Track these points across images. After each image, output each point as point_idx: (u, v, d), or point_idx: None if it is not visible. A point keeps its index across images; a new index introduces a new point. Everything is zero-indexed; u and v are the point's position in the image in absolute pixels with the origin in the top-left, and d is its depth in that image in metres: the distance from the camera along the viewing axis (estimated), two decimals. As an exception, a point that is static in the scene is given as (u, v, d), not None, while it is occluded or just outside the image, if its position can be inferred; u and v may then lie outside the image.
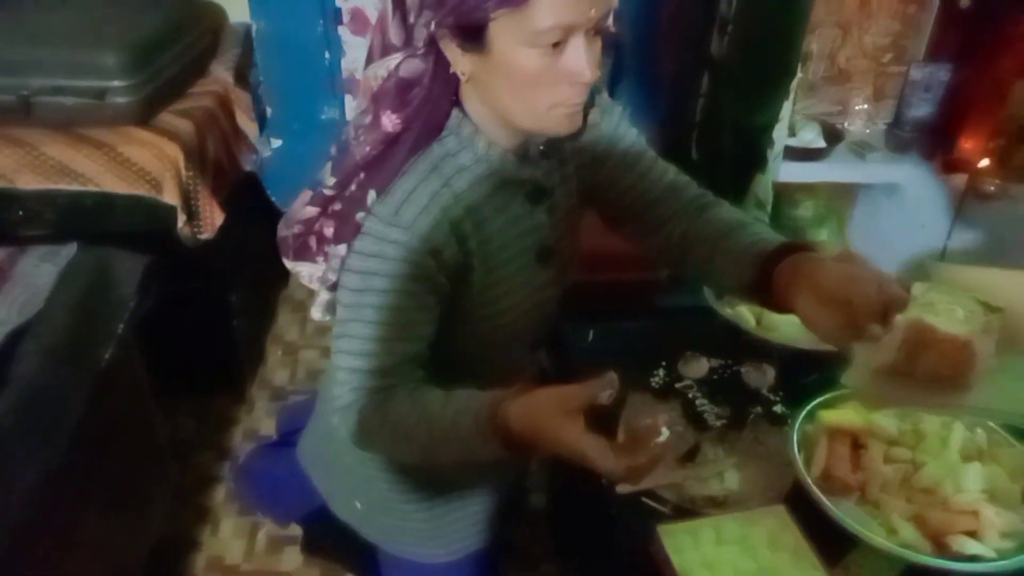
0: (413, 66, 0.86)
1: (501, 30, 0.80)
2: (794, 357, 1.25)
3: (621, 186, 1.07)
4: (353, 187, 0.90)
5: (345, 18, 2.07)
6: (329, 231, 0.93)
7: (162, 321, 1.56)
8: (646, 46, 2.06)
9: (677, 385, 1.26)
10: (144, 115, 1.74)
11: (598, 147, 1.05)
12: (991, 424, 1.12)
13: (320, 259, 0.97)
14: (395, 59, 0.87)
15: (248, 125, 2.08)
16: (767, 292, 0.92)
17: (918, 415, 1.14)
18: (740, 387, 1.28)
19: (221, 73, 2.03)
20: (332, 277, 0.93)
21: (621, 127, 1.07)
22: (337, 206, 0.92)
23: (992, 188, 2.36)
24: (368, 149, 0.88)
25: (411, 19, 0.84)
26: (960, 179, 2.37)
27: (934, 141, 2.48)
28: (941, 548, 0.97)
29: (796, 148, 2.38)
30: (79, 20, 1.80)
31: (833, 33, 2.45)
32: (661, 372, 1.29)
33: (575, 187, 1.04)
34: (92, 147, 1.68)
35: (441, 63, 0.86)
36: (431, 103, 0.87)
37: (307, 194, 0.95)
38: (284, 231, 0.99)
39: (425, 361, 0.94)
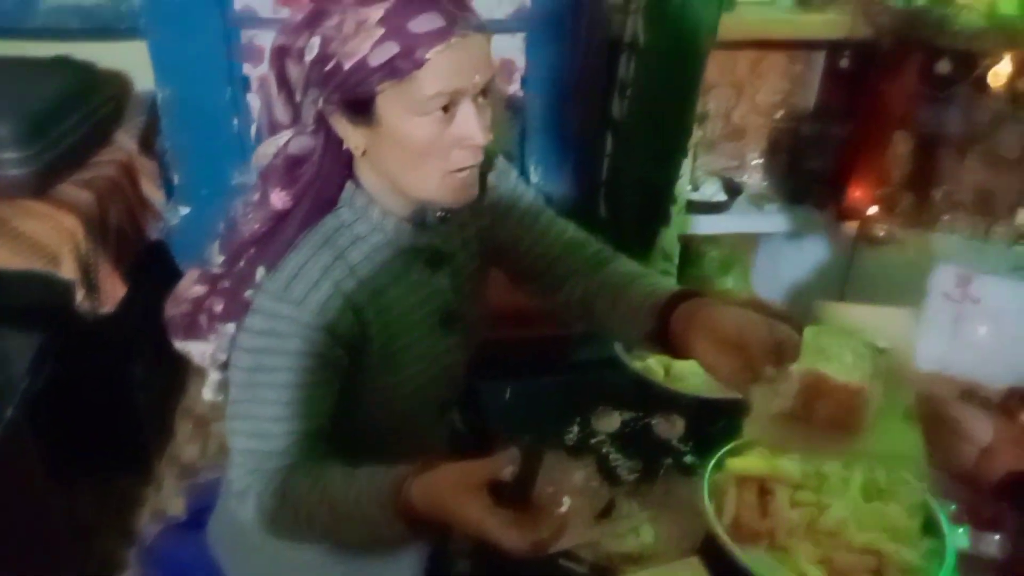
0: (302, 143, 0.87)
1: (389, 102, 0.81)
2: (702, 406, 1.29)
3: (522, 246, 1.09)
4: (242, 264, 0.89)
5: (253, 85, 2.07)
6: (218, 308, 0.91)
7: (60, 397, 1.49)
8: (553, 108, 2.13)
9: (592, 440, 1.27)
10: (40, 187, 1.68)
11: (497, 209, 1.07)
12: (888, 462, 1.17)
13: (211, 337, 0.94)
14: (284, 137, 0.87)
15: (154, 193, 2.03)
16: (666, 340, 0.95)
17: (820, 459, 1.18)
18: (651, 439, 1.29)
19: (125, 141, 1.99)
20: (222, 356, 0.91)
21: (519, 188, 1.09)
22: (226, 283, 0.91)
23: (882, 233, 2.52)
24: (257, 226, 0.87)
25: (297, 97, 0.85)
26: (852, 226, 2.52)
27: (826, 191, 2.64)
28: (848, 588, 1.01)
29: (699, 202, 2.50)
30: (-31, 91, 1.74)
31: (728, 92, 2.60)
32: (575, 428, 1.30)
33: (476, 249, 1.06)
34: (-17, 221, 1.61)
35: (332, 139, 0.87)
36: (321, 179, 0.88)
37: (194, 272, 0.94)
38: (172, 310, 0.96)
39: (326, 437, 0.93)
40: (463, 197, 0.89)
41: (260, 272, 0.87)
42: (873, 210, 2.54)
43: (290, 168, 0.86)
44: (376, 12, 0.78)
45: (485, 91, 0.84)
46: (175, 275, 2.00)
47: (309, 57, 0.81)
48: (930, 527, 1.09)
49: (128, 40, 2.02)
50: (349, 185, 0.90)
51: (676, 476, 1.22)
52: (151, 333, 2.04)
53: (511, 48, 2.08)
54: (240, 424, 0.90)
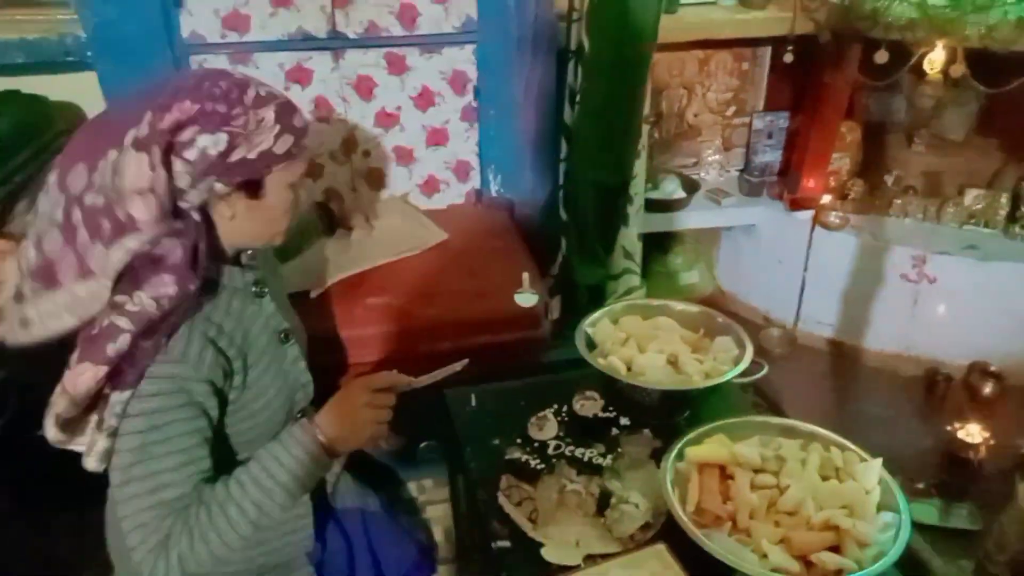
0: (193, 232, 0.96)
1: (275, 178, 1.02)
2: (663, 397, 1.32)
3: None
4: (140, 340, 0.93)
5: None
6: (115, 380, 0.94)
7: (26, 435, 1.47)
8: (507, 116, 2.16)
9: (548, 451, 1.29)
10: (-5, 222, 1.67)
11: None
12: (844, 442, 1.21)
13: (93, 417, 0.97)
14: (135, 239, 0.91)
15: (112, 223, 2.02)
16: None
17: (778, 442, 1.22)
18: (588, 421, 1.35)
19: (80, 173, 1.98)
20: (113, 422, 0.95)
21: None
22: (126, 362, 0.94)
23: (836, 220, 2.58)
24: (168, 310, 0.94)
25: (182, 185, 0.94)
26: (808, 215, 2.59)
27: (781, 182, 2.71)
28: (809, 566, 1.03)
29: (659, 200, 2.55)
30: (-83, 131, 1.73)
31: (679, 93, 2.66)
32: (519, 444, 1.30)
33: (275, 269, 1.26)
34: (-63, 261, 1.59)
35: (207, 219, 1.00)
36: (213, 257, 1.01)
37: (91, 368, 0.93)
38: (71, 411, 0.96)
39: (211, 478, 1.02)
40: (281, 238, 1.12)
41: (163, 340, 0.96)
42: (826, 199, 2.61)
43: (194, 257, 0.96)
44: (270, 113, 0.98)
45: None
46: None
47: (216, 150, 0.94)
48: (890, 502, 1.12)
49: (77, 72, 2.01)
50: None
51: (626, 438, 1.29)
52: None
53: (463, 60, 2.11)
54: (138, 486, 0.96)
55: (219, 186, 0.97)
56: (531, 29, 2.04)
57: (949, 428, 2.20)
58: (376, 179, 2.23)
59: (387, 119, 2.15)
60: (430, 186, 2.27)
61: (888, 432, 2.31)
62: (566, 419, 1.36)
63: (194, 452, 0.99)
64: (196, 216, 0.97)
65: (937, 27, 1.94)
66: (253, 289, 1.11)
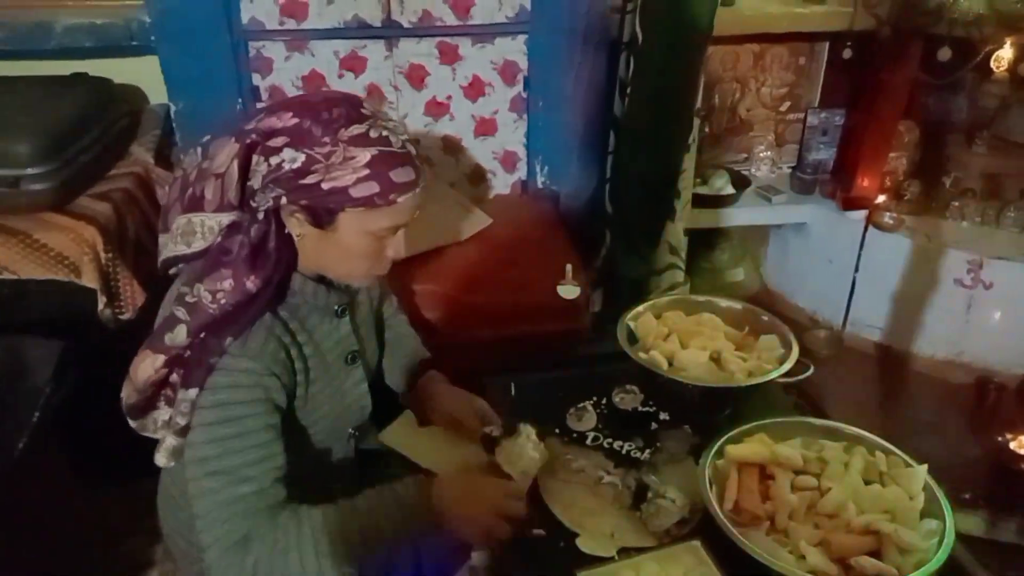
0: (259, 230, 0.98)
1: (350, 219, 0.99)
2: (704, 394, 1.31)
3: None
4: (203, 336, 0.97)
5: (263, 95, 2.12)
6: (179, 377, 0.99)
7: (85, 404, 1.53)
8: (556, 108, 2.16)
9: (587, 442, 1.30)
10: (60, 200, 1.74)
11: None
12: (889, 447, 1.19)
13: (162, 403, 1.02)
14: (227, 217, 0.98)
15: (170, 203, 2.09)
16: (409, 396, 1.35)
17: (821, 444, 1.20)
18: (629, 416, 1.35)
19: (141, 154, 2.05)
20: (181, 421, 0.97)
21: None
22: (188, 354, 0.98)
23: (891, 221, 2.52)
24: (230, 308, 0.97)
25: (254, 185, 0.96)
26: (861, 215, 2.53)
27: (834, 181, 2.65)
28: (847, 570, 1.02)
29: (707, 196, 2.52)
30: (-8, 110, 1.81)
31: (732, 87, 2.62)
32: (557, 433, 1.32)
33: (375, 296, 1.29)
34: (7, 235, 1.66)
35: (280, 226, 1.00)
36: (283, 263, 1.01)
37: (150, 356, 0.98)
38: (134, 397, 1.02)
39: (284, 474, 1.03)
40: (369, 283, 1.18)
41: (228, 340, 0.97)
42: (881, 198, 2.55)
43: (253, 255, 0.98)
44: (365, 155, 0.95)
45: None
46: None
47: (290, 166, 0.94)
48: (935, 510, 1.10)
49: (141, 56, 2.08)
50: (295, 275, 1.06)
51: (665, 433, 1.29)
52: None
53: (514, 51, 2.12)
54: (218, 480, 0.97)
55: (285, 200, 0.97)
56: (584, 20, 2.04)
57: (1000, 439, 2.14)
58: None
59: (437, 108, 2.17)
60: (477, 176, 2.28)
61: (935, 440, 2.26)
62: (605, 412, 1.37)
63: (271, 447, 1.00)
64: (261, 217, 0.98)
65: (1007, 23, 1.88)
66: (335, 308, 1.12)
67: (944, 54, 2.06)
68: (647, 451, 1.28)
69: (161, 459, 1.01)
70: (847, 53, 2.32)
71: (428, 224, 1.89)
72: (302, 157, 0.94)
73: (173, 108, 2.07)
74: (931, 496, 1.11)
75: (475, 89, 2.16)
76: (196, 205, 0.99)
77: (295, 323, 1.06)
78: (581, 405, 1.36)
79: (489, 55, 2.12)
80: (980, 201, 2.53)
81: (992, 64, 2.04)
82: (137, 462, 2.16)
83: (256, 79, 2.10)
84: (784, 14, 2.37)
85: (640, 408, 1.37)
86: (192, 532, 1.14)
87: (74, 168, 1.77)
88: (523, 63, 2.14)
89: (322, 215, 0.98)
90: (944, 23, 2.01)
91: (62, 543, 1.60)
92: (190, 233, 1.00)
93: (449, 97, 2.16)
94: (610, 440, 1.30)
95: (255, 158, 0.96)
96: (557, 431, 1.32)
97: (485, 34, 2.09)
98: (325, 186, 0.95)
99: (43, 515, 1.49)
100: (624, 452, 1.28)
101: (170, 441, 0.99)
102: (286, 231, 1.00)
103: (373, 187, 0.96)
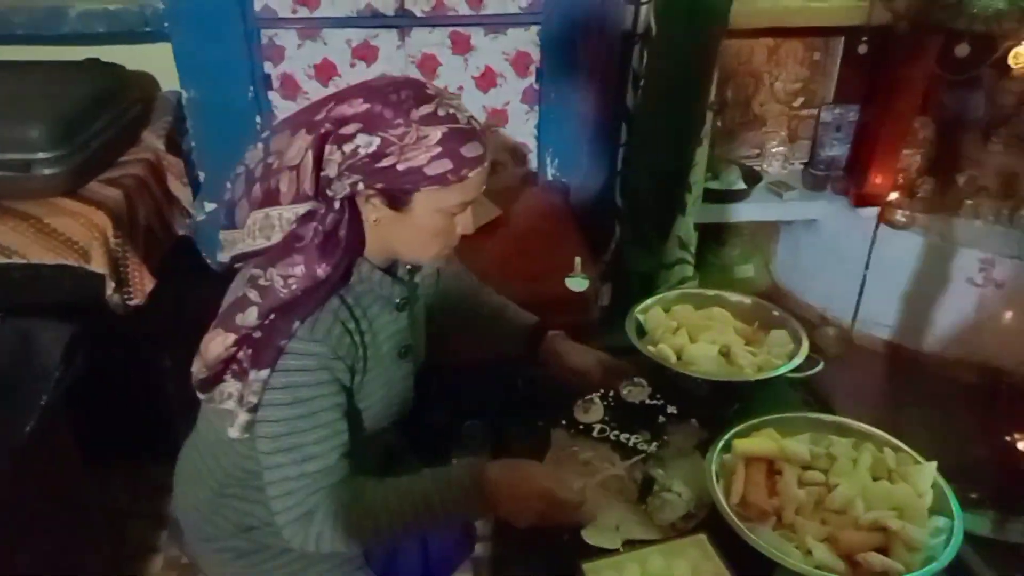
0: (333, 218, 1.00)
1: (424, 198, 1.01)
2: (712, 388, 1.31)
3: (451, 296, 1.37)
4: (272, 318, 1.00)
5: (275, 84, 2.12)
6: (248, 356, 1.02)
7: (94, 388, 1.54)
8: (568, 99, 2.16)
9: (593, 434, 1.30)
10: (71, 185, 1.74)
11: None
12: (898, 443, 1.18)
13: (228, 377, 1.05)
14: (303, 207, 0.99)
15: (181, 190, 2.09)
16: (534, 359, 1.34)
17: (830, 439, 1.20)
18: (636, 408, 1.35)
19: (152, 141, 2.05)
20: (253, 399, 1.02)
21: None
22: (257, 335, 1.01)
23: (903, 219, 2.50)
24: (300, 293, 0.99)
25: (330, 174, 0.98)
26: (873, 212, 2.51)
27: (847, 177, 2.62)
28: (854, 566, 1.02)
29: (718, 190, 2.50)
30: (4, 94, 1.81)
31: (746, 81, 2.60)
32: (562, 423, 1.32)
33: (428, 293, 1.29)
34: (18, 219, 1.67)
35: (354, 213, 1.02)
36: (352, 250, 1.03)
37: (221, 334, 1.02)
38: (204, 372, 1.06)
39: (348, 450, 1.08)
40: (443, 262, 1.18)
41: (296, 324, 1.01)
42: (894, 196, 2.53)
43: (325, 242, 1.00)
44: (436, 133, 0.97)
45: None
46: (202, 269, 2.11)
47: (366, 151, 0.96)
48: (943, 508, 1.09)
49: (154, 43, 2.08)
50: (359, 260, 1.07)
51: (672, 427, 1.29)
52: (181, 324, 2.11)
53: (526, 41, 2.11)
54: (286, 456, 1.03)
55: (362, 186, 0.99)
56: (597, 11, 2.02)
57: (1009, 439, 2.12)
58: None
59: (448, 98, 2.16)
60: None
61: (944, 438, 2.23)
62: (612, 404, 1.37)
63: (336, 426, 1.05)
64: (337, 206, 1.00)
65: (1029, 19, 1.85)
66: (396, 301, 1.14)
67: (962, 50, 2.03)
68: (654, 444, 1.27)
69: (234, 432, 1.05)
70: (862, 48, 2.30)
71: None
72: (377, 141, 0.96)
73: (185, 95, 2.08)
74: (940, 494, 1.10)
75: (487, 80, 2.15)
76: (272, 199, 1.01)
77: (359, 310, 1.08)
78: (588, 397, 1.36)
79: (502, 46, 2.11)
80: (995, 199, 2.50)
81: (1011, 60, 2.02)
82: (143, 446, 2.19)
83: (268, 67, 2.10)
84: (800, 8, 2.34)
85: (648, 401, 1.36)
86: (213, 511, 1.20)
87: (86, 153, 1.78)
88: (535, 54, 2.13)
89: (398, 197, 1.00)
90: (963, 18, 1.98)
91: (68, 526, 1.61)
92: (268, 227, 1.02)
93: (461, 87, 2.15)
94: (617, 432, 1.30)
95: (328, 148, 0.98)
96: (564, 422, 1.32)
97: (498, 24, 2.08)
98: (401, 167, 0.97)
99: (50, 497, 1.50)
100: (631, 445, 1.27)
101: (242, 417, 1.04)
102: (358, 218, 1.03)
103: (447, 164, 0.98)
